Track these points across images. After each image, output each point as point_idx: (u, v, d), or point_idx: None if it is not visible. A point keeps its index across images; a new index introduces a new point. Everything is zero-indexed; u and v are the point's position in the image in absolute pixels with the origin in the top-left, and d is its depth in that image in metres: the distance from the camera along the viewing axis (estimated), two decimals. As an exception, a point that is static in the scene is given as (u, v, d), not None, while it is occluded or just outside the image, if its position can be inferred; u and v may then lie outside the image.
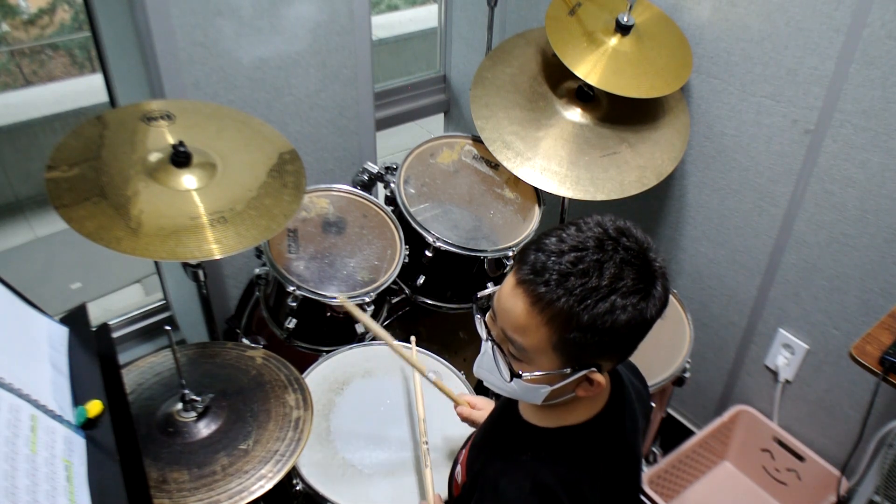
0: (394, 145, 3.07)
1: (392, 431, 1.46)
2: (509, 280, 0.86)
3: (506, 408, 1.06)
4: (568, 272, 0.80)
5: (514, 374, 0.87)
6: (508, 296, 0.85)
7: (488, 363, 0.92)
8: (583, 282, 0.80)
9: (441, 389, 1.32)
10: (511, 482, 0.92)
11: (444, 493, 1.26)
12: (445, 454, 1.41)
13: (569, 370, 0.86)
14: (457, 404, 1.30)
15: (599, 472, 0.94)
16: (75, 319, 1.06)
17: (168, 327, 1.23)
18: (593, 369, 0.86)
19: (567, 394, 0.90)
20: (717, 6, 1.74)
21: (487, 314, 0.92)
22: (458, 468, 1.11)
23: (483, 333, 0.92)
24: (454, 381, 1.59)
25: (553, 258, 0.81)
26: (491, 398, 1.36)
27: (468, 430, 1.31)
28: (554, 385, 0.87)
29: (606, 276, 0.80)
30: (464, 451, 1.12)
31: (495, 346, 0.90)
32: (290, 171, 1.50)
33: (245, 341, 1.65)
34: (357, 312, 1.35)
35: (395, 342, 1.35)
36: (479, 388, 1.90)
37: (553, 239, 0.83)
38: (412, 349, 1.52)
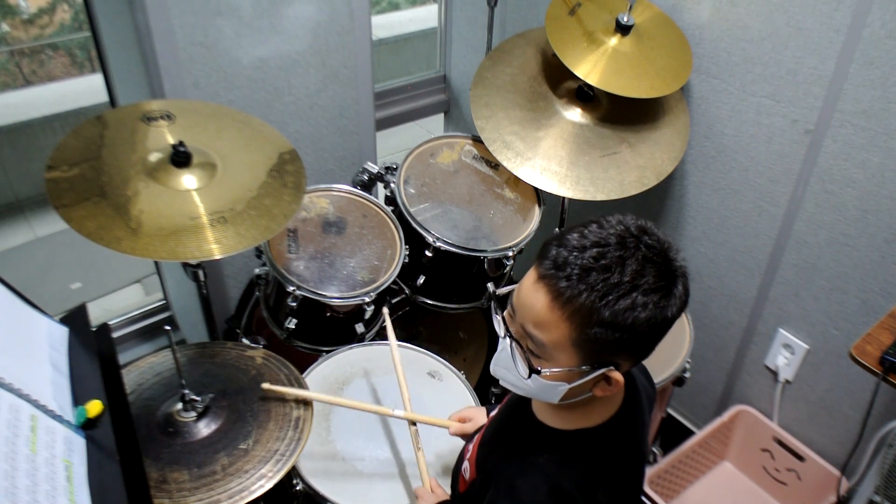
0: (394, 145, 3.08)
1: (392, 431, 1.46)
2: (530, 275, 0.86)
3: (517, 406, 1.05)
4: (590, 267, 0.80)
5: (533, 371, 0.87)
6: (529, 291, 0.85)
7: (506, 361, 0.92)
8: (605, 277, 0.80)
9: (426, 422, 1.31)
10: (527, 484, 0.92)
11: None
12: (439, 469, 1.40)
13: (587, 368, 0.85)
14: (449, 428, 1.29)
15: (612, 474, 0.94)
16: (75, 319, 1.06)
17: (168, 327, 1.23)
18: (612, 368, 0.86)
19: (584, 393, 0.90)
20: (717, 6, 1.74)
21: (506, 311, 0.92)
22: (466, 464, 1.11)
23: (501, 331, 0.92)
24: (454, 381, 1.59)
25: (575, 253, 0.81)
26: (488, 404, 1.36)
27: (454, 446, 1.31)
28: (572, 383, 0.87)
29: (628, 272, 0.80)
30: (471, 447, 1.12)
31: (514, 343, 0.89)
32: (290, 171, 1.50)
33: (245, 341, 1.65)
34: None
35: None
36: (480, 386, 1.90)
37: (575, 235, 0.83)
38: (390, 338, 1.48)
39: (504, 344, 0.91)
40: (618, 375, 0.86)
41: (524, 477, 0.93)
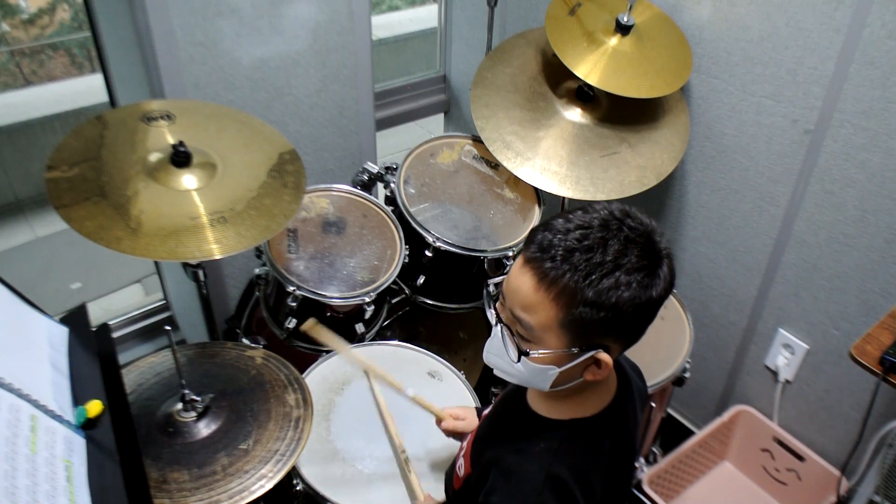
0: (394, 145, 3.07)
1: (392, 431, 1.46)
2: (518, 260, 0.88)
3: (512, 399, 1.06)
4: (573, 248, 0.82)
5: (522, 353, 0.88)
6: (516, 275, 0.87)
7: (497, 347, 0.93)
8: (587, 257, 0.82)
9: (423, 406, 1.32)
10: (524, 473, 0.93)
11: (440, 492, 1.26)
12: (428, 464, 1.41)
13: (576, 350, 0.87)
14: (440, 420, 1.30)
15: (605, 462, 0.95)
16: (75, 319, 1.06)
17: (168, 327, 1.23)
18: (600, 350, 0.87)
19: (575, 378, 0.91)
20: (717, 6, 1.74)
21: (498, 301, 0.93)
22: (460, 461, 1.12)
23: (493, 318, 0.94)
24: (454, 381, 1.59)
25: (559, 236, 0.84)
26: (481, 406, 1.37)
27: (448, 441, 1.33)
28: (562, 366, 0.88)
29: (611, 252, 0.82)
30: (466, 445, 1.12)
31: (504, 328, 0.91)
32: (290, 171, 1.50)
33: (245, 341, 1.65)
34: (328, 339, 1.34)
35: (371, 366, 1.35)
36: (480, 386, 1.90)
37: (560, 220, 0.86)
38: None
39: (496, 330, 0.93)
40: (606, 357, 0.87)
41: (521, 466, 0.94)
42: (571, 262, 0.82)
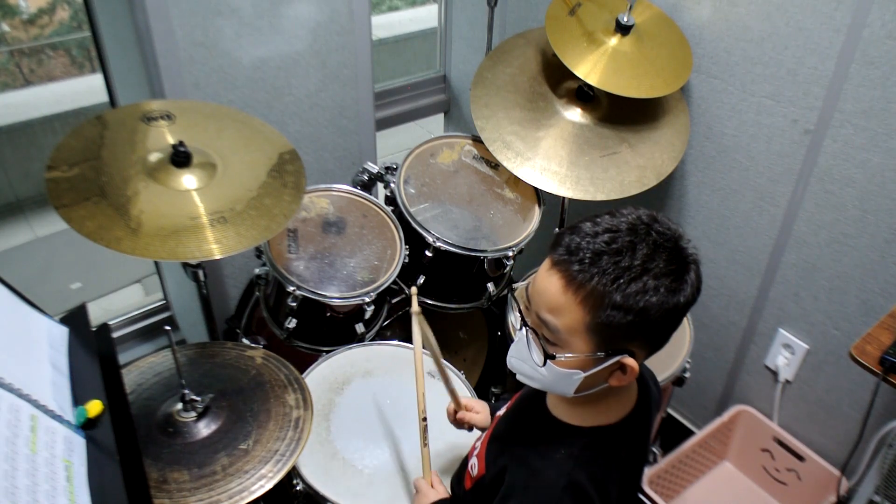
0: (394, 145, 3.08)
1: (392, 431, 1.46)
2: (545, 263, 0.88)
3: (530, 402, 1.05)
4: (601, 251, 0.82)
5: (548, 356, 0.88)
6: (543, 277, 0.87)
7: (521, 351, 0.93)
8: (616, 261, 0.82)
9: (450, 390, 1.31)
10: (543, 479, 0.93)
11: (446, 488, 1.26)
12: (448, 459, 1.40)
13: (602, 354, 0.86)
14: (457, 409, 1.29)
15: (623, 470, 0.95)
16: (75, 319, 1.06)
17: (168, 327, 1.23)
18: (626, 355, 0.86)
19: (599, 384, 0.90)
20: (717, 6, 1.74)
21: (523, 304, 0.93)
22: (473, 461, 1.11)
23: (517, 322, 0.93)
24: (454, 381, 1.59)
25: (588, 239, 0.84)
26: (490, 400, 1.36)
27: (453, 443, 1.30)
28: (587, 371, 0.88)
29: (639, 256, 0.82)
30: (480, 444, 1.12)
31: (529, 332, 0.90)
32: (290, 171, 1.50)
33: (245, 341, 1.65)
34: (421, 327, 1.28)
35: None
36: (480, 386, 1.91)
37: (588, 224, 0.86)
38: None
39: (520, 335, 0.93)
40: (633, 363, 0.87)
41: (540, 471, 0.94)
42: (599, 265, 0.82)
